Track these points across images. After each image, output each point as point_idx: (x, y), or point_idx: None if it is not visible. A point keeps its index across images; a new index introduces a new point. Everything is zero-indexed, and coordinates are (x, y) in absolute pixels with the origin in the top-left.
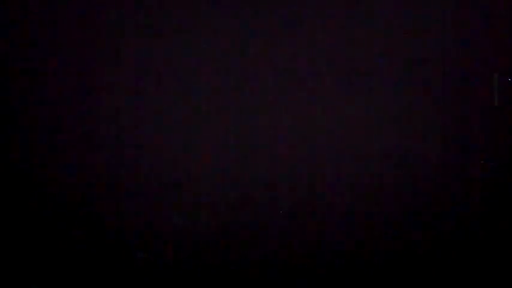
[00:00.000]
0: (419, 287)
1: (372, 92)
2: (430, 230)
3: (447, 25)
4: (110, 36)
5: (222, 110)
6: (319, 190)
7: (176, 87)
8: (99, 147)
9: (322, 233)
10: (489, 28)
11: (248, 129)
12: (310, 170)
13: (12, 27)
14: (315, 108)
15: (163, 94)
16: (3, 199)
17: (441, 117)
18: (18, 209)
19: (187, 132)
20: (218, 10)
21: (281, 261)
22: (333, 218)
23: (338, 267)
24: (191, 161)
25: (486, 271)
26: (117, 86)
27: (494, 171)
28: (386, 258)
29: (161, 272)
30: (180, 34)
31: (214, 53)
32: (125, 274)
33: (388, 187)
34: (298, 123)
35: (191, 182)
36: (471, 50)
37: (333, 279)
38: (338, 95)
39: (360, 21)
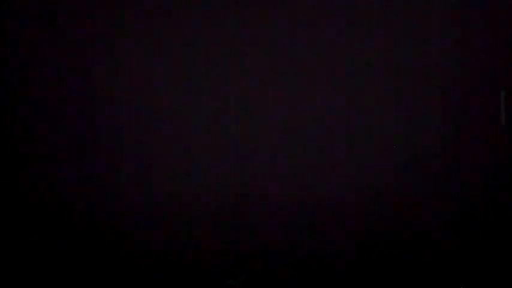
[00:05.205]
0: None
1: (371, 95)
2: (431, 236)
3: (450, 42)
4: (109, 36)
5: (222, 111)
6: (319, 191)
7: (177, 88)
8: (98, 149)
9: (321, 234)
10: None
11: (248, 130)
12: (310, 170)
13: (12, 26)
14: (315, 110)
15: (163, 96)
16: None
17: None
18: (17, 211)
19: (188, 131)
20: (218, 10)
21: (281, 261)
22: (332, 219)
23: (338, 268)
24: (191, 162)
25: (486, 272)
26: (117, 86)
27: (497, 192)
28: (386, 260)
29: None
30: (180, 34)
31: (214, 53)
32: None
33: (388, 190)
34: (298, 124)
35: (190, 185)
36: (475, 66)
37: (333, 280)
38: (338, 96)
39: (360, 21)
